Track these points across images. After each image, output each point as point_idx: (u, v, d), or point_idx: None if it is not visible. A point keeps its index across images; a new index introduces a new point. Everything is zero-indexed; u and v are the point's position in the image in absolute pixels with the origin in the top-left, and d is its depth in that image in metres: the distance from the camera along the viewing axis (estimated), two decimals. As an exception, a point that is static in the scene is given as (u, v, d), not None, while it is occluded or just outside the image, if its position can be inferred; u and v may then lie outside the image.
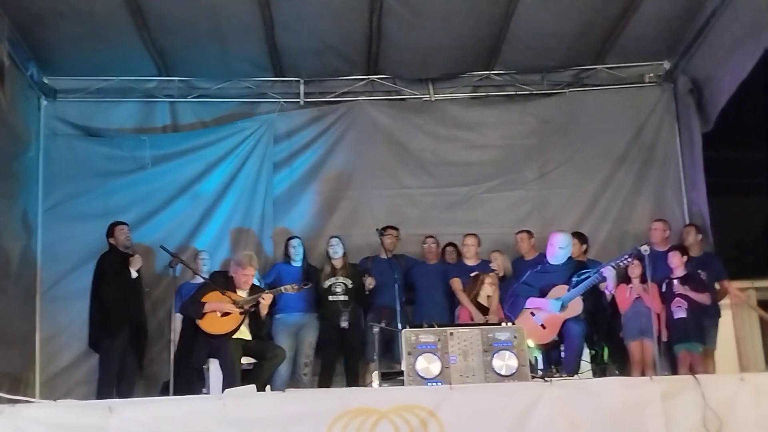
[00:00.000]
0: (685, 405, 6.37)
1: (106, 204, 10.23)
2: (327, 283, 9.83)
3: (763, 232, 13.83)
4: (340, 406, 6.25)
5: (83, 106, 10.68)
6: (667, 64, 10.98)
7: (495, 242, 10.42)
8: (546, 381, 6.61)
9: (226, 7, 9.33)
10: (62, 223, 10.19)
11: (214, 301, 8.34)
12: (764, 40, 8.74)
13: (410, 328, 7.06)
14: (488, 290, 9.34)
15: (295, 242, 10.03)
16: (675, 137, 10.91)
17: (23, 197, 9.90)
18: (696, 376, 6.69)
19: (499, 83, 11.22)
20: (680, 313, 8.80)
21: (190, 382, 8.38)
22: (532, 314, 8.61)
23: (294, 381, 9.44)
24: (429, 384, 6.67)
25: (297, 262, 9.98)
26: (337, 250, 9.93)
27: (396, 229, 10.19)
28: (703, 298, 8.85)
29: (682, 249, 9.20)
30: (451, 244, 10.29)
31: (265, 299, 8.42)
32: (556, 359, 8.56)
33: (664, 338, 8.77)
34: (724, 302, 9.84)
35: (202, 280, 9.02)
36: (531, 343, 7.73)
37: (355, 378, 9.61)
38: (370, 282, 9.70)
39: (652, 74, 11.05)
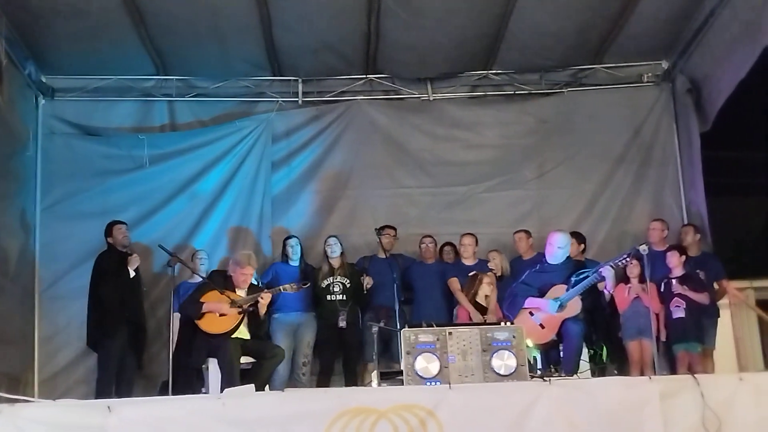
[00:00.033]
0: (684, 405, 6.38)
1: (105, 203, 10.23)
2: (325, 283, 9.82)
3: (761, 232, 13.82)
4: (339, 406, 6.25)
5: (81, 105, 10.67)
6: (665, 64, 10.98)
7: (493, 242, 10.42)
8: (545, 381, 6.61)
9: (225, 7, 9.33)
10: (60, 222, 10.19)
11: (212, 301, 8.34)
12: (762, 40, 8.74)
13: (409, 327, 7.05)
14: (486, 290, 9.34)
15: (292, 242, 10.01)
16: (673, 137, 10.92)
17: (21, 196, 9.90)
18: (695, 375, 6.70)
19: (497, 83, 11.22)
20: (679, 312, 8.80)
21: (189, 381, 8.38)
22: (531, 314, 8.60)
23: (292, 381, 9.42)
24: (428, 383, 6.67)
25: (294, 262, 9.96)
26: (334, 250, 9.92)
27: (393, 228, 10.18)
28: (701, 297, 8.85)
29: (681, 249, 9.20)
30: (448, 243, 10.29)
31: (264, 299, 8.43)
32: (555, 359, 8.54)
33: (663, 338, 8.79)
34: (723, 302, 9.83)
35: (200, 280, 9.03)
36: (530, 342, 7.76)
37: (353, 378, 9.60)
38: (368, 281, 9.69)
39: (650, 74, 11.06)
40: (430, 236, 10.23)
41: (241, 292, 8.54)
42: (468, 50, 10.54)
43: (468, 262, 9.90)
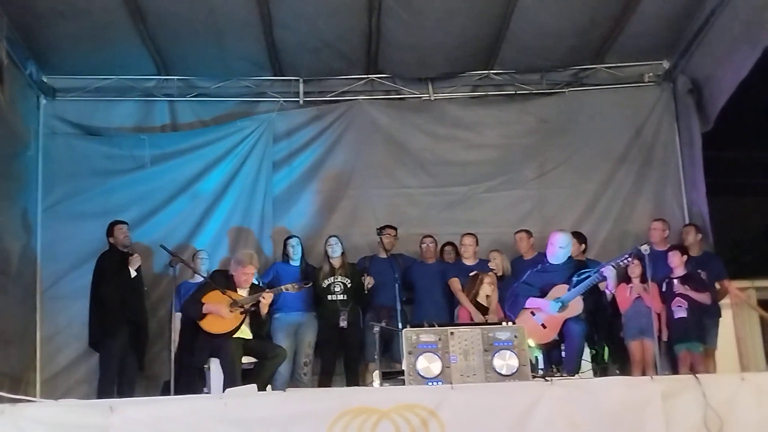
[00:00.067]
0: (686, 404, 6.38)
1: (106, 203, 10.22)
2: (326, 283, 9.82)
3: (762, 232, 13.87)
4: (341, 406, 6.26)
5: (82, 105, 10.66)
6: (666, 64, 10.98)
7: (494, 242, 10.42)
8: (546, 380, 6.62)
9: (225, 6, 9.33)
10: (62, 222, 10.18)
11: (213, 302, 8.32)
12: (764, 40, 8.76)
13: (411, 327, 7.05)
14: (487, 290, 9.34)
15: (293, 241, 10.01)
16: (674, 137, 10.91)
17: (23, 196, 9.90)
18: (697, 375, 6.71)
19: (498, 83, 11.22)
20: (680, 312, 8.80)
21: (191, 381, 8.37)
22: (533, 314, 8.60)
23: (294, 381, 9.41)
24: (430, 383, 6.67)
25: (295, 262, 9.96)
26: (335, 250, 9.92)
27: (394, 228, 10.17)
28: (703, 297, 8.85)
29: (682, 249, 9.20)
30: (449, 243, 10.29)
31: (266, 298, 8.42)
32: (556, 359, 8.53)
33: (665, 338, 8.79)
34: (725, 302, 9.85)
35: (201, 280, 9.03)
36: (531, 342, 7.74)
37: (354, 378, 9.61)
38: (369, 281, 9.69)
39: (651, 74, 11.05)
40: (430, 236, 10.23)
41: (242, 292, 8.53)
42: (469, 50, 10.54)
43: (469, 262, 9.91)
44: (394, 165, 11.00)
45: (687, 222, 10.30)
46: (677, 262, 9.00)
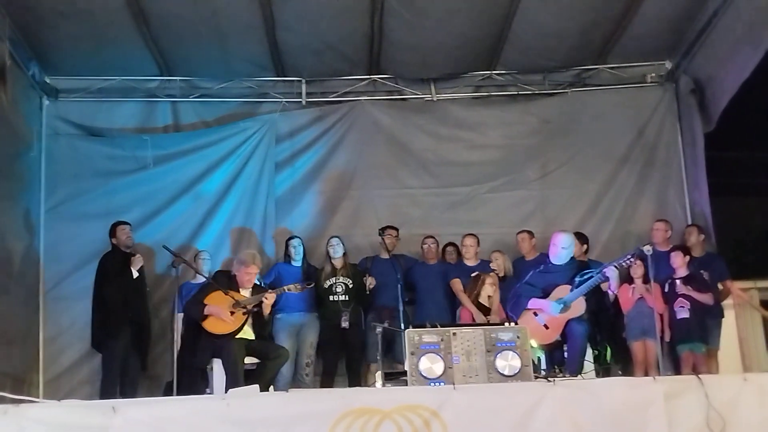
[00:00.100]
0: (688, 405, 6.37)
1: (108, 204, 10.23)
2: (327, 283, 9.82)
3: (765, 232, 13.85)
4: (343, 406, 6.25)
5: (85, 106, 10.68)
6: (668, 64, 10.98)
7: (497, 242, 10.43)
8: (549, 381, 6.61)
9: (228, 8, 9.33)
10: (65, 223, 10.20)
11: (215, 304, 8.32)
12: (766, 41, 8.75)
13: (413, 328, 7.05)
14: (489, 290, 9.35)
15: (295, 242, 10.02)
16: (677, 137, 10.91)
17: (25, 197, 9.91)
18: (699, 376, 6.68)
19: (500, 83, 11.22)
20: (683, 313, 8.79)
21: (194, 382, 8.37)
22: (535, 314, 8.59)
23: (295, 381, 9.41)
24: (432, 384, 6.67)
25: (297, 262, 9.97)
26: (337, 250, 9.92)
27: (395, 229, 10.19)
28: (705, 298, 8.84)
29: (685, 249, 9.20)
30: (451, 244, 10.29)
31: (268, 299, 8.42)
32: (559, 359, 8.52)
33: (667, 338, 8.77)
34: (727, 302, 9.81)
35: (203, 280, 9.04)
36: (534, 343, 7.74)
37: (357, 378, 9.61)
38: (370, 282, 9.68)
39: (653, 74, 11.05)
40: (432, 237, 10.23)
41: (245, 292, 8.54)
42: (471, 51, 10.54)
43: (470, 262, 9.92)
44: (397, 165, 11.00)
45: (689, 222, 10.29)
46: (680, 263, 8.99)
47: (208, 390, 8.20)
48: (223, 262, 10.22)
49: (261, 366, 8.28)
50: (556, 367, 8.12)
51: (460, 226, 10.43)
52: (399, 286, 8.99)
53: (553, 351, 8.59)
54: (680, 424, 6.33)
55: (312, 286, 9.24)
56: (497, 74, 11.12)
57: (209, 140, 10.77)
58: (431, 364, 6.75)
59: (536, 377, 6.98)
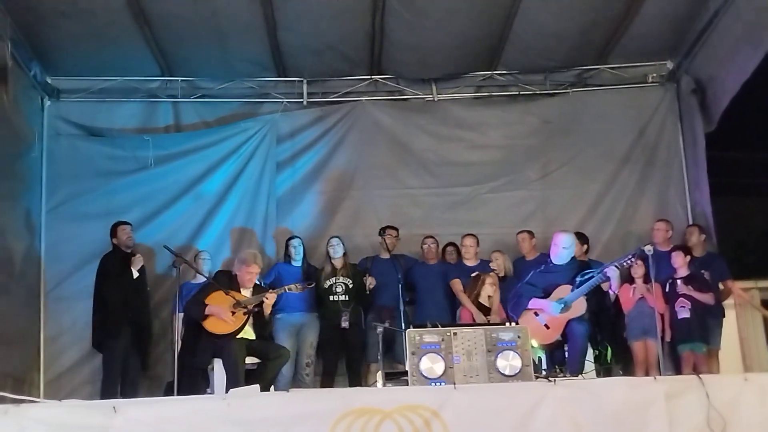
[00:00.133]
0: (689, 405, 6.36)
1: (109, 204, 10.23)
2: (327, 283, 9.82)
3: (766, 232, 13.85)
4: (344, 406, 6.25)
5: (86, 106, 10.69)
6: (670, 64, 10.97)
7: (497, 242, 10.43)
8: (550, 381, 6.60)
9: (229, 8, 9.34)
10: (65, 223, 10.21)
11: (215, 304, 8.32)
12: (766, 41, 8.75)
13: (414, 328, 7.05)
14: (489, 290, 9.34)
15: (295, 242, 10.02)
16: (678, 137, 10.90)
17: (26, 197, 9.92)
18: (700, 376, 6.67)
19: (501, 83, 11.22)
20: (684, 313, 8.79)
21: (195, 382, 8.37)
22: (536, 314, 8.58)
23: (296, 381, 9.42)
24: (433, 384, 6.66)
25: (297, 262, 9.97)
26: (337, 250, 9.92)
27: (395, 229, 10.19)
28: (706, 298, 8.83)
29: (685, 249, 9.20)
30: (451, 244, 10.29)
31: (269, 299, 8.42)
32: (559, 359, 8.51)
33: (668, 338, 8.78)
34: (728, 302, 9.80)
35: (203, 280, 9.04)
36: (535, 343, 7.74)
37: (357, 378, 9.61)
38: (370, 282, 9.68)
39: (655, 74, 11.04)
40: (431, 237, 10.23)
41: (245, 292, 8.53)
42: (472, 51, 10.54)
43: (470, 262, 9.92)
44: (397, 166, 11.00)
45: (690, 222, 10.30)
46: (680, 263, 8.99)
47: (208, 390, 8.19)
48: (223, 262, 10.22)
49: (262, 366, 8.28)
50: (556, 367, 8.12)
51: (461, 226, 10.43)
52: (400, 286, 9.00)
53: (553, 351, 8.58)
54: (681, 424, 6.32)
55: (313, 286, 9.25)
56: (498, 74, 11.11)
57: (210, 140, 10.78)
58: (432, 364, 6.75)
59: (537, 377, 6.97)
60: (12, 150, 9.53)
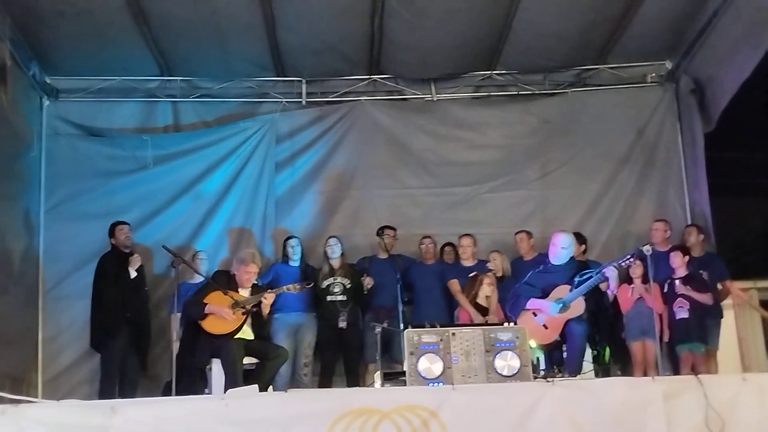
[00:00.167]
0: (688, 405, 6.37)
1: (108, 204, 10.23)
2: (325, 284, 9.81)
3: (764, 232, 13.84)
4: (342, 406, 6.26)
5: (85, 106, 10.69)
6: (669, 64, 10.97)
7: (496, 242, 10.42)
8: (548, 381, 6.61)
9: (228, 8, 9.34)
10: (64, 223, 10.20)
11: (215, 303, 8.32)
12: (765, 41, 8.76)
13: (412, 328, 7.05)
14: (487, 290, 9.32)
15: (293, 242, 10.01)
16: (677, 137, 10.90)
17: (25, 197, 9.92)
18: (698, 376, 6.69)
19: (500, 83, 11.22)
20: (682, 313, 8.79)
21: (193, 382, 8.37)
22: (534, 314, 8.59)
23: (294, 381, 9.41)
24: (431, 384, 6.67)
25: (295, 262, 9.96)
26: (335, 250, 9.92)
27: (393, 229, 10.16)
28: (705, 298, 8.83)
29: (684, 249, 9.19)
30: (449, 244, 10.29)
31: (268, 299, 8.42)
32: (558, 359, 8.52)
33: (666, 338, 8.78)
34: (727, 302, 9.82)
35: (201, 280, 9.04)
36: (533, 343, 7.73)
37: (355, 378, 9.61)
38: (368, 282, 9.69)
39: (654, 74, 11.04)
40: (429, 237, 10.24)
41: (244, 292, 8.53)
42: (471, 51, 10.54)
43: (467, 263, 9.90)
44: (397, 165, 11.00)
45: (689, 222, 10.29)
46: (679, 263, 8.99)
47: (207, 390, 8.19)
48: (221, 263, 10.21)
49: (260, 366, 8.27)
50: (555, 367, 8.11)
51: (460, 226, 10.41)
52: (398, 286, 9.00)
53: (552, 351, 8.59)
54: (679, 424, 6.33)
55: (311, 286, 9.24)
56: (497, 74, 11.12)
57: (209, 140, 10.78)
58: (430, 364, 6.76)
59: (535, 377, 6.98)
60: (11, 150, 9.53)
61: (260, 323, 8.51)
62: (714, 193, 10.18)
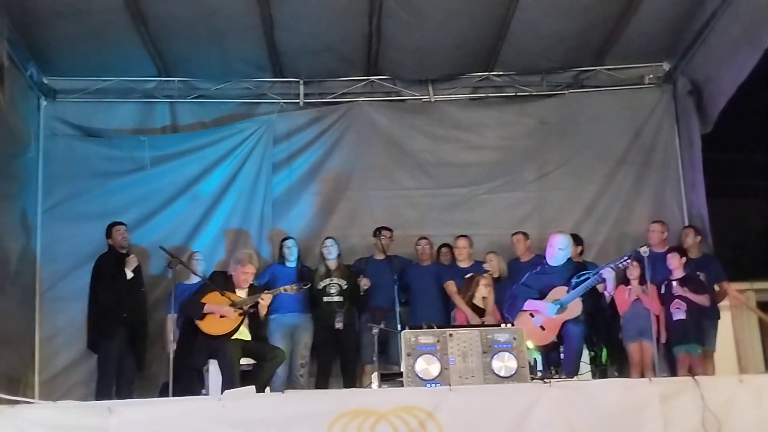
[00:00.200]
0: (684, 406, 6.39)
1: (106, 204, 10.22)
2: (321, 284, 9.78)
3: (762, 234, 13.86)
4: (339, 407, 6.27)
5: (83, 107, 10.67)
6: (666, 66, 10.97)
7: (494, 243, 10.40)
8: (545, 382, 6.64)
9: (226, 9, 9.32)
10: (61, 224, 10.18)
11: (213, 303, 8.32)
12: (764, 42, 8.76)
13: (410, 329, 7.05)
14: (483, 292, 9.31)
15: (289, 243, 9.99)
16: (674, 139, 10.90)
17: (22, 197, 9.90)
18: (695, 377, 6.71)
19: (498, 84, 11.21)
20: (679, 314, 8.79)
21: (190, 383, 8.37)
22: (531, 315, 8.60)
23: (291, 382, 9.40)
24: (428, 385, 6.68)
25: (291, 263, 9.94)
26: (331, 251, 9.89)
27: (390, 230, 10.16)
28: (702, 299, 8.84)
29: (681, 250, 9.20)
30: (445, 245, 10.28)
31: (265, 300, 8.43)
32: (555, 361, 8.53)
33: (663, 340, 8.79)
34: (724, 304, 9.82)
35: (197, 281, 9.04)
36: (530, 344, 7.75)
37: (351, 379, 9.59)
38: (365, 283, 9.68)
39: (651, 75, 11.04)
40: (425, 238, 10.23)
41: (241, 293, 8.53)
42: (469, 51, 10.54)
43: (463, 264, 9.89)
44: (394, 166, 10.99)
45: (686, 224, 10.30)
46: (676, 264, 8.99)
47: (204, 391, 8.20)
48: (217, 263, 10.19)
49: (257, 367, 8.28)
50: (552, 368, 8.12)
51: (457, 228, 10.41)
52: (395, 287, 9.00)
53: (549, 352, 8.60)
54: (676, 426, 6.35)
55: (308, 286, 9.24)
56: (495, 75, 11.11)
57: (207, 141, 10.76)
58: (427, 365, 6.77)
59: (532, 378, 6.99)
60: (8, 150, 9.51)
61: (257, 324, 8.52)
62: (712, 195, 10.18)
